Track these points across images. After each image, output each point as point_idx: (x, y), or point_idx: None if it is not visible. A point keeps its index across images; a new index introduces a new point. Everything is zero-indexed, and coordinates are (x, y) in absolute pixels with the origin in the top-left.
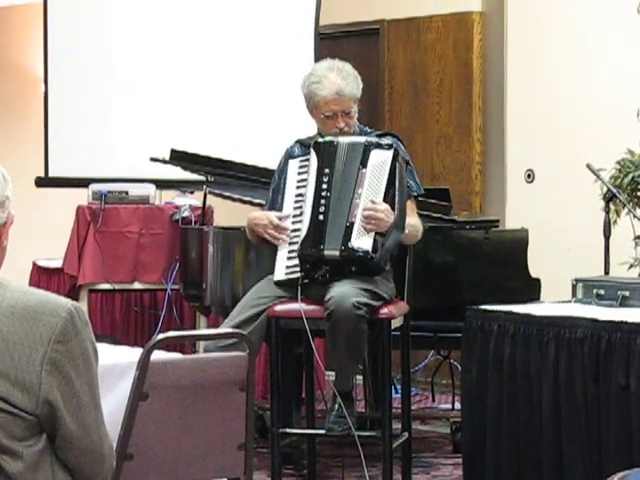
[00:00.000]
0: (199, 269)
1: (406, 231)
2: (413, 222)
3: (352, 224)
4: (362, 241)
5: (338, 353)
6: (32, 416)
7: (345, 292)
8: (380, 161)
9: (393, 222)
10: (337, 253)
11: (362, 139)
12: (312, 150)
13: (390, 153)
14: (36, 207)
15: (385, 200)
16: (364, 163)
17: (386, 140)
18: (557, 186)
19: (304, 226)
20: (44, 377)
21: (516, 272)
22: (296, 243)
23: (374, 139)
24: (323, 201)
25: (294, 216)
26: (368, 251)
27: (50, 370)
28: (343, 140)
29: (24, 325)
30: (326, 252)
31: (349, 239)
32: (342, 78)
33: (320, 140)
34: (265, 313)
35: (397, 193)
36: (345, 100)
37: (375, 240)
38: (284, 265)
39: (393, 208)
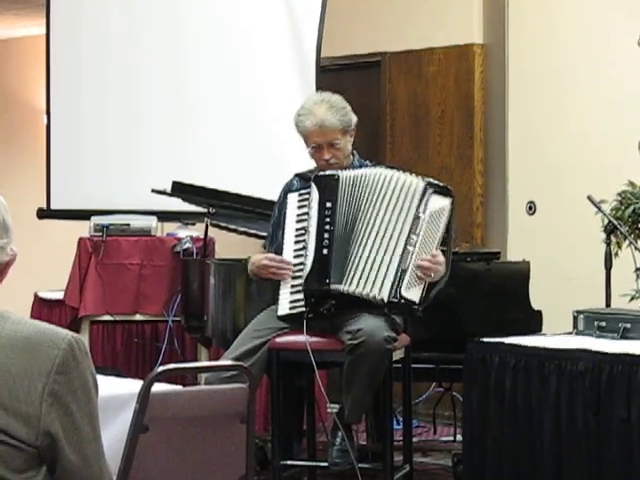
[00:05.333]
0: (200, 301)
1: (445, 279)
2: None
3: (404, 271)
4: (412, 292)
5: (357, 386)
6: (32, 448)
7: (377, 325)
8: (440, 207)
9: (444, 275)
10: (385, 298)
11: (417, 180)
12: (313, 184)
13: (448, 200)
14: (38, 239)
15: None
16: (424, 207)
17: (442, 184)
18: (558, 218)
19: (308, 261)
20: (44, 409)
21: (517, 304)
22: (299, 277)
23: (432, 180)
24: (327, 235)
25: (295, 250)
26: (415, 303)
27: (50, 402)
28: (345, 174)
29: (24, 357)
30: (332, 286)
31: (400, 287)
32: (327, 109)
33: (321, 174)
34: (266, 345)
35: (449, 241)
36: (328, 132)
37: (423, 291)
38: (288, 300)
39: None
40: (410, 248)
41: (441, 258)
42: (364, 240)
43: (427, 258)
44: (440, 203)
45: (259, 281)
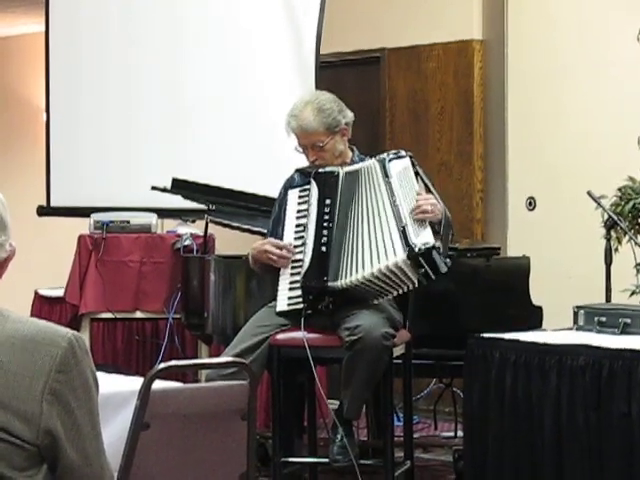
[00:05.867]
0: (201, 298)
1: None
2: None
3: (404, 227)
4: (422, 236)
5: (355, 382)
6: (33, 446)
7: (375, 322)
8: (402, 167)
9: (442, 209)
10: (403, 256)
11: (371, 161)
12: (313, 180)
13: (407, 159)
14: (38, 236)
15: None
16: (388, 175)
17: (393, 152)
18: (558, 213)
19: (307, 257)
20: (45, 407)
21: (518, 300)
22: (298, 274)
23: (384, 155)
24: (326, 232)
25: (295, 246)
26: (432, 243)
27: (51, 400)
28: (344, 170)
29: (24, 355)
30: (330, 283)
31: (409, 240)
32: (311, 111)
33: (321, 170)
34: (267, 341)
35: (431, 188)
36: (310, 134)
37: (434, 232)
38: (286, 296)
39: None
40: (398, 207)
41: (428, 194)
42: (359, 231)
43: (417, 198)
44: (400, 164)
45: (259, 270)
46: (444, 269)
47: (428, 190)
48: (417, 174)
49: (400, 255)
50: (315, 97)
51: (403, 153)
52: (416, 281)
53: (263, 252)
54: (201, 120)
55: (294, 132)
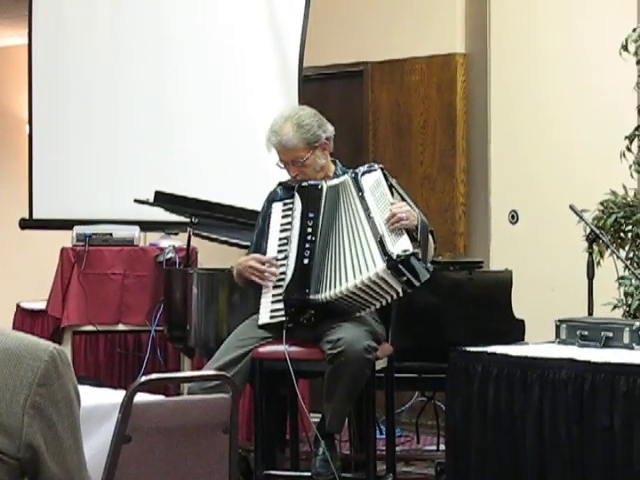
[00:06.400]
0: (183, 311)
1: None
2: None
3: (382, 237)
4: (399, 244)
5: (337, 395)
6: (14, 460)
7: (357, 335)
8: (374, 181)
9: (417, 216)
10: (383, 266)
11: (345, 177)
12: (296, 194)
13: (378, 172)
14: (20, 249)
15: None
16: (361, 190)
17: (366, 166)
18: (541, 227)
19: (289, 270)
20: (26, 421)
21: (500, 313)
22: (280, 287)
23: (357, 170)
24: (308, 245)
25: (278, 259)
26: (410, 250)
27: (32, 414)
28: (327, 184)
29: (5, 369)
30: (311, 296)
31: (387, 249)
32: (291, 127)
33: (305, 184)
34: (249, 354)
35: (405, 197)
36: (290, 150)
37: (411, 238)
38: (269, 309)
39: None
40: (373, 219)
41: (401, 203)
42: (341, 245)
43: (390, 208)
44: (372, 178)
45: (243, 284)
46: (426, 274)
47: (402, 199)
48: (390, 186)
49: (380, 265)
50: (295, 112)
51: (375, 166)
52: (400, 290)
53: (248, 268)
54: (185, 132)
55: (275, 148)
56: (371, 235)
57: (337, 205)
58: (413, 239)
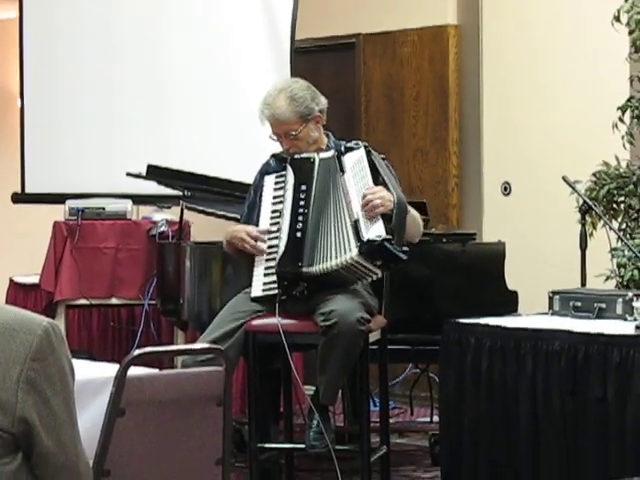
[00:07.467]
0: (176, 284)
1: (409, 210)
2: (412, 211)
3: (356, 221)
4: (373, 229)
5: (331, 367)
6: (8, 434)
7: (350, 307)
8: (355, 160)
9: (394, 199)
10: (356, 251)
11: (331, 152)
12: (289, 166)
13: (361, 150)
14: (13, 223)
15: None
16: (342, 170)
17: (352, 143)
18: (533, 199)
19: (282, 243)
20: (20, 395)
21: (493, 285)
22: (273, 259)
23: (342, 147)
24: (301, 218)
25: (270, 232)
26: (383, 235)
27: (26, 388)
28: (319, 156)
29: (0, 343)
30: (304, 269)
31: (360, 235)
32: (284, 100)
33: (297, 157)
34: (243, 327)
35: (385, 178)
36: (283, 123)
37: (385, 224)
38: (261, 282)
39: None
40: (350, 202)
41: (376, 188)
42: (330, 219)
43: (364, 193)
44: (354, 156)
45: (233, 253)
46: (403, 257)
47: (382, 181)
48: (372, 166)
49: (354, 250)
50: (288, 85)
51: (360, 144)
52: (378, 272)
53: (239, 240)
54: (178, 106)
55: (268, 121)
56: (348, 218)
57: (328, 179)
58: (389, 222)
